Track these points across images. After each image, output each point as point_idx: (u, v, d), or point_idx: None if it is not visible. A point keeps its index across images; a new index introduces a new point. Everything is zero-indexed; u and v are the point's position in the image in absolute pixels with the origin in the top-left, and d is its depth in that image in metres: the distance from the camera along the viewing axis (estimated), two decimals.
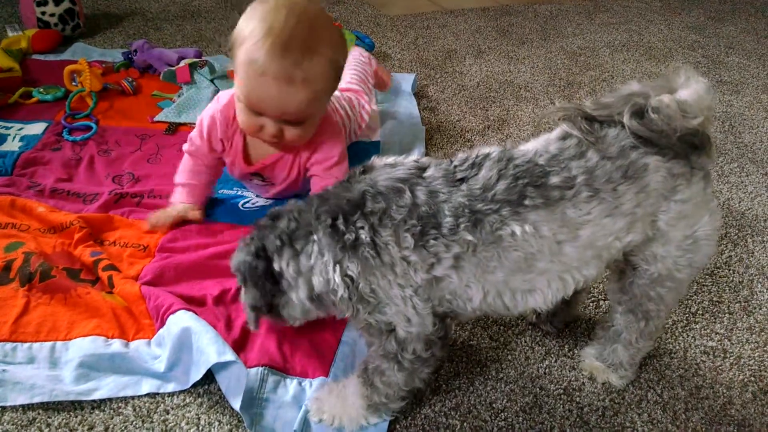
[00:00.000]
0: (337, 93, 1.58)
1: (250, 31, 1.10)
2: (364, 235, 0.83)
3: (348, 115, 1.55)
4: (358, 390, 0.97)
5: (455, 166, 0.87)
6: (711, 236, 0.92)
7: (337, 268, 0.85)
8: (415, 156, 0.91)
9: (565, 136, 0.87)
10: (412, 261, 0.84)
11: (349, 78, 1.67)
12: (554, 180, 0.82)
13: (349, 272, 0.84)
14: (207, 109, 1.31)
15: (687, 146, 0.85)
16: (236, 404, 0.96)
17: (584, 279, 0.89)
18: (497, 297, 0.88)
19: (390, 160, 0.91)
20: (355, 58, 1.79)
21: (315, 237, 0.86)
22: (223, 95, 1.30)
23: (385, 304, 0.86)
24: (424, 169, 0.87)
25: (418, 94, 1.98)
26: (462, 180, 0.84)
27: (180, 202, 1.35)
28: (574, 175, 0.82)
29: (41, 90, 1.80)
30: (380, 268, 0.84)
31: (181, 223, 1.34)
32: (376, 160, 0.92)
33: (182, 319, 1.05)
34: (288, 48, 1.07)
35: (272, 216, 0.93)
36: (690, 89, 0.85)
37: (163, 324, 1.07)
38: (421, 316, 0.88)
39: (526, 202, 0.81)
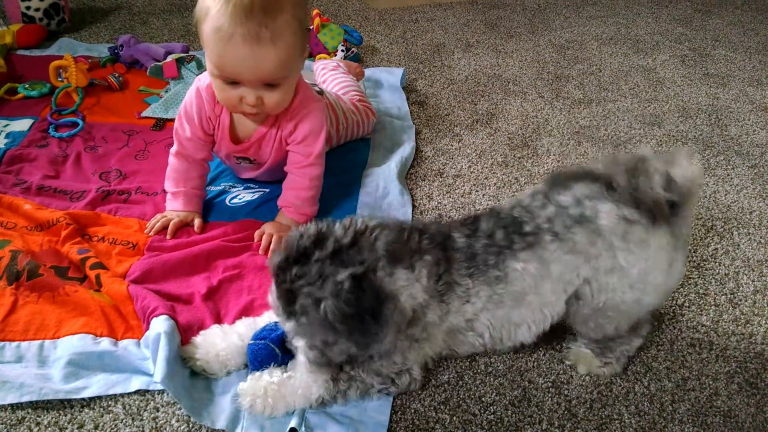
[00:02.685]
0: (346, 99, 1.62)
1: (211, 2, 1.11)
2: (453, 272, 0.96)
3: (357, 110, 1.62)
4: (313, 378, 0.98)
5: (459, 222, 1.01)
6: (659, 287, 1.00)
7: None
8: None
9: (534, 194, 1.02)
10: (469, 296, 0.97)
11: (351, 95, 1.68)
12: (527, 228, 0.97)
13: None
14: (189, 92, 1.31)
15: (652, 208, 0.95)
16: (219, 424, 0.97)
17: (556, 314, 1.02)
18: (498, 330, 1.01)
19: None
20: (335, 72, 1.79)
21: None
22: (204, 76, 1.30)
23: (427, 344, 0.98)
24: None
25: (407, 88, 1.98)
26: (475, 230, 0.99)
27: (176, 210, 1.34)
28: (539, 223, 0.97)
29: (27, 86, 1.79)
30: (453, 303, 0.96)
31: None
32: None
33: (161, 325, 1.05)
34: (250, 9, 1.08)
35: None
36: (683, 168, 0.96)
37: (148, 326, 1.07)
38: (434, 357, 1.03)
39: (515, 246, 0.96)
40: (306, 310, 0.87)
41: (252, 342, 1.02)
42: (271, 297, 0.92)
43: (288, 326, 0.91)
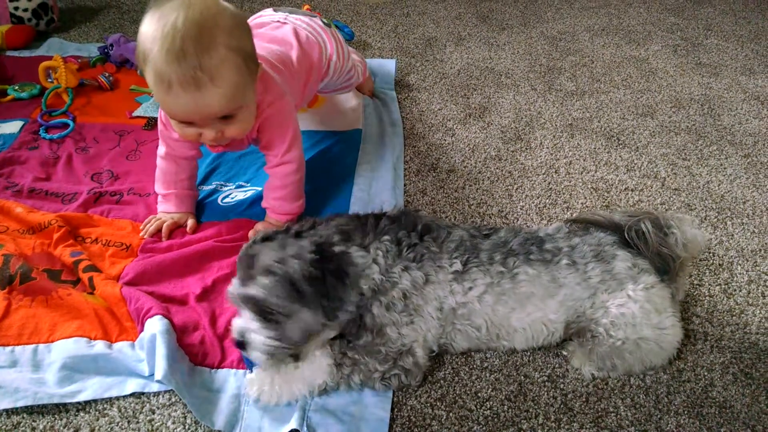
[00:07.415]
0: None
1: (150, 43, 1.03)
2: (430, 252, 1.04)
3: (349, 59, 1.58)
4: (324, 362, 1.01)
5: (477, 228, 1.10)
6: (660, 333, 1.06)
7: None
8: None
9: (558, 229, 1.12)
10: (454, 285, 1.02)
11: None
12: (548, 246, 1.07)
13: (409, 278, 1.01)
14: None
15: (659, 263, 1.07)
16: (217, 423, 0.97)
17: (552, 334, 1.08)
18: (495, 328, 1.05)
19: None
20: (355, 53, 1.77)
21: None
22: None
23: (418, 318, 1.02)
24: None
25: (399, 82, 1.97)
26: (488, 235, 1.08)
27: (169, 212, 1.34)
28: (560, 247, 1.07)
29: (16, 87, 1.78)
30: (432, 284, 1.02)
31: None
32: None
33: (155, 325, 1.05)
34: (182, 52, 1.01)
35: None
36: (695, 233, 1.07)
37: (143, 328, 1.07)
38: (434, 341, 1.05)
39: (532, 256, 1.05)
40: (270, 271, 0.93)
41: None
42: (231, 284, 0.99)
43: (245, 315, 0.98)
